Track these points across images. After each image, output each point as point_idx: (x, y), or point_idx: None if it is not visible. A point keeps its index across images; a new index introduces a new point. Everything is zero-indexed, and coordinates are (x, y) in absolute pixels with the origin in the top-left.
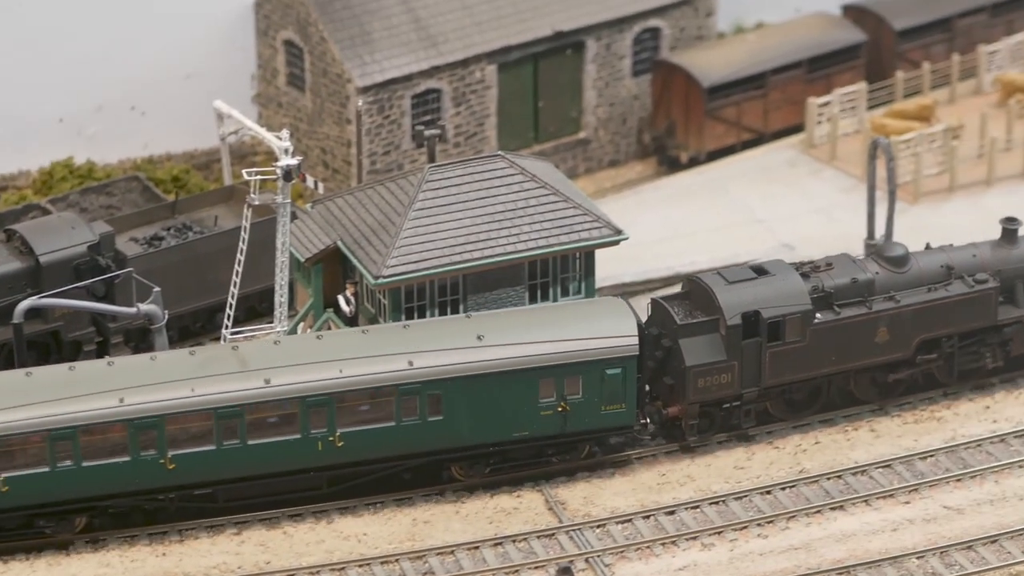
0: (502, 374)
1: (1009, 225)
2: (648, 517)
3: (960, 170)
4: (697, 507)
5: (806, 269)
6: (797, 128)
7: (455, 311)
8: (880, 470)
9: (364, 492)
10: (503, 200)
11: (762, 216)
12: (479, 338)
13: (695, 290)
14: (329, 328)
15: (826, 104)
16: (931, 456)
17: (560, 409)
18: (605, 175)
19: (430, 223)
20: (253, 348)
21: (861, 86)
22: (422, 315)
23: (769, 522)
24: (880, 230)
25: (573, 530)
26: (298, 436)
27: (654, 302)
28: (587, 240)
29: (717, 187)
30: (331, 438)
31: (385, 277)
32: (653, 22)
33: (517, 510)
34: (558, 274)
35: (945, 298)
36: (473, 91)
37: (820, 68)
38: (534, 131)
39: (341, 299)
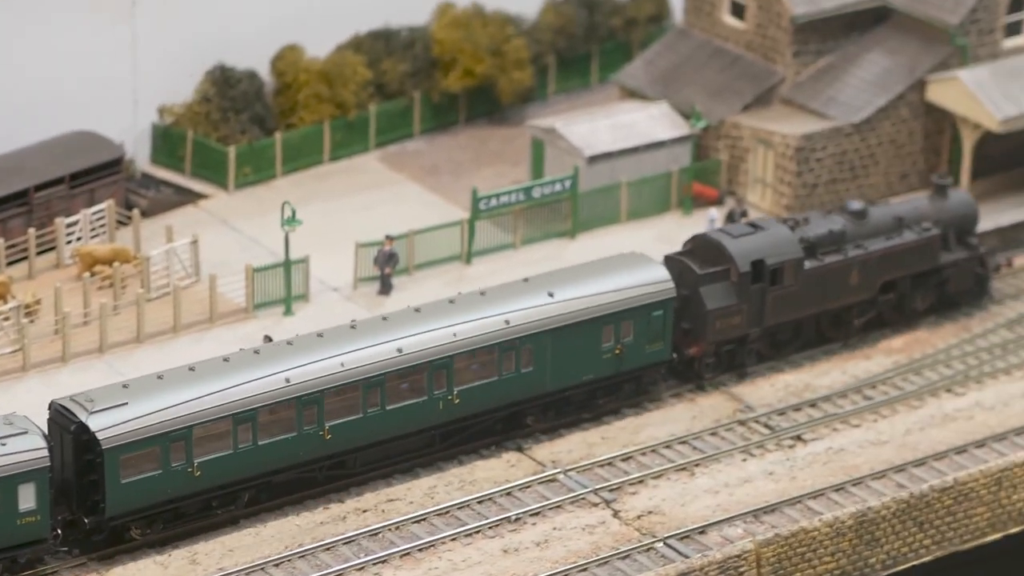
0: (577, 324)
1: (940, 181)
2: None
3: (35, 348)
4: None
5: (790, 223)
6: None
7: None
8: None
9: None
10: None
11: None
12: (550, 295)
13: (700, 245)
14: None
15: None
16: None
17: (617, 351)
18: None
19: None
20: (370, 323)
21: None
22: None
23: None
24: None
25: None
26: (425, 398)
27: (667, 258)
28: None
29: None
30: (450, 397)
31: None
32: None
33: None
34: None
35: (902, 244)
36: None
37: None
38: None
39: None
